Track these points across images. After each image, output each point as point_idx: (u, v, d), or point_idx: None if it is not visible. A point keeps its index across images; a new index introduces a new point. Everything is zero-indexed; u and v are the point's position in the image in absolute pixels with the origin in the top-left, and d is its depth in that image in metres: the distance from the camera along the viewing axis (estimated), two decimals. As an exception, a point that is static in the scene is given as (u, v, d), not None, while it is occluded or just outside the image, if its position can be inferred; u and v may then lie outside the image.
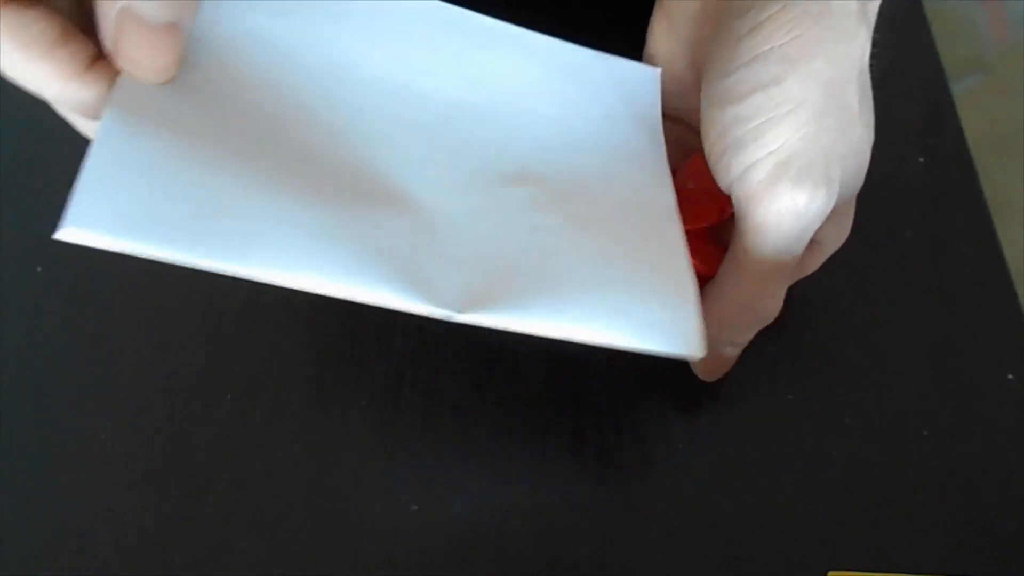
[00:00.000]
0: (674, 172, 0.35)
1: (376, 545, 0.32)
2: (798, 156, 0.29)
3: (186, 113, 0.26)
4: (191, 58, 0.27)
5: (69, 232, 0.23)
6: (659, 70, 0.35)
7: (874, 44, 0.31)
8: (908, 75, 0.44)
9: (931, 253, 0.40)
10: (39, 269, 0.37)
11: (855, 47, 0.30)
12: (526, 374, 0.36)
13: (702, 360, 0.34)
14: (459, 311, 0.27)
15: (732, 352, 0.34)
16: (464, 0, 0.33)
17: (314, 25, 0.30)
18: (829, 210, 0.30)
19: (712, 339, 0.33)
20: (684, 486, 0.34)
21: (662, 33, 0.35)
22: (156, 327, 0.36)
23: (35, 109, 0.41)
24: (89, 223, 0.23)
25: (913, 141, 0.43)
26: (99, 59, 0.26)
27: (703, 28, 0.33)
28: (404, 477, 0.33)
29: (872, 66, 0.31)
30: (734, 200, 0.31)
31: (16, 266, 0.37)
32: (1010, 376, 0.36)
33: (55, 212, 0.39)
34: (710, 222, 0.34)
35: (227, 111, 0.27)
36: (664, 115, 0.36)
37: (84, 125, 0.29)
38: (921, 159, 0.42)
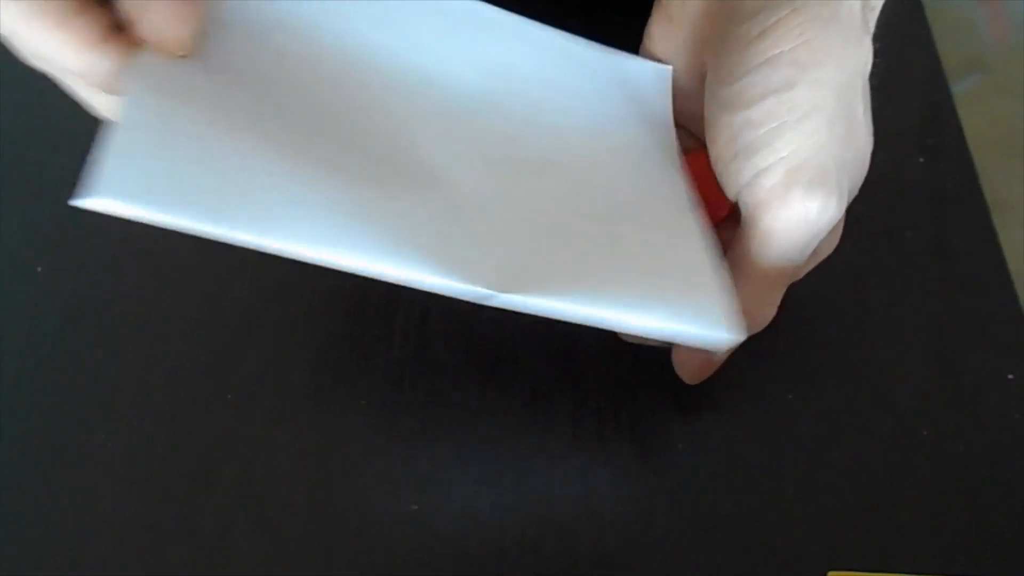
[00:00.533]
0: None
1: (376, 545, 0.32)
2: (810, 163, 0.29)
3: (208, 88, 0.26)
4: (212, 37, 0.27)
5: (94, 200, 0.22)
6: (669, 68, 0.35)
7: (875, 54, 0.31)
8: (908, 75, 0.44)
9: (931, 253, 0.40)
10: (39, 269, 0.37)
11: (861, 54, 0.30)
12: (526, 374, 0.36)
13: (689, 365, 0.34)
14: (499, 291, 0.26)
15: (720, 356, 0.34)
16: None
17: (334, 10, 0.30)
18: (837, 219, 0.30)
19: None
20: (684, 486, 0.34)
21: (661, 34, 0.35)
22: (156, 327, 0.36)
23: (36, 109, 0.41)
24: (114, 191, 0.22)
25: (913, 141, 0.43)
26: (116, 30, 0.25)
27: (704, 30, 0.33)
28: (404, 477, 0.33)
29: (872, 66, 0.31)
30: (742, 206, 0.31)
31: (16, 266, 0.37)
32: (1010, 376, 0.36)
33: (55, 212, 0.40)
34: None
35: (250, 88, 0.27)
36: None
37: (96, 100, 0.28)
38: (921, 159, 0.42)
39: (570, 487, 0.33)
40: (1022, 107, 1.26)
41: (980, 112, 1.24)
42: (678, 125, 0.36)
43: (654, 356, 0.35)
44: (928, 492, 0.34)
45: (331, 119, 0.28)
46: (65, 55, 0.25)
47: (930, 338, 0.37)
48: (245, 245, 0.24)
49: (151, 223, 0.23)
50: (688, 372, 0.34)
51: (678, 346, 0.33)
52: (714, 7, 0.33)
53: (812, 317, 0.36)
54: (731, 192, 0.31)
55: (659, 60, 0.35)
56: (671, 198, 0.32)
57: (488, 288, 0.26)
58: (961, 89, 1.28)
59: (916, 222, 0.40)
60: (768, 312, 0.32)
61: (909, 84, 0.44)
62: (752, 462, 0.34)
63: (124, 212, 0.22)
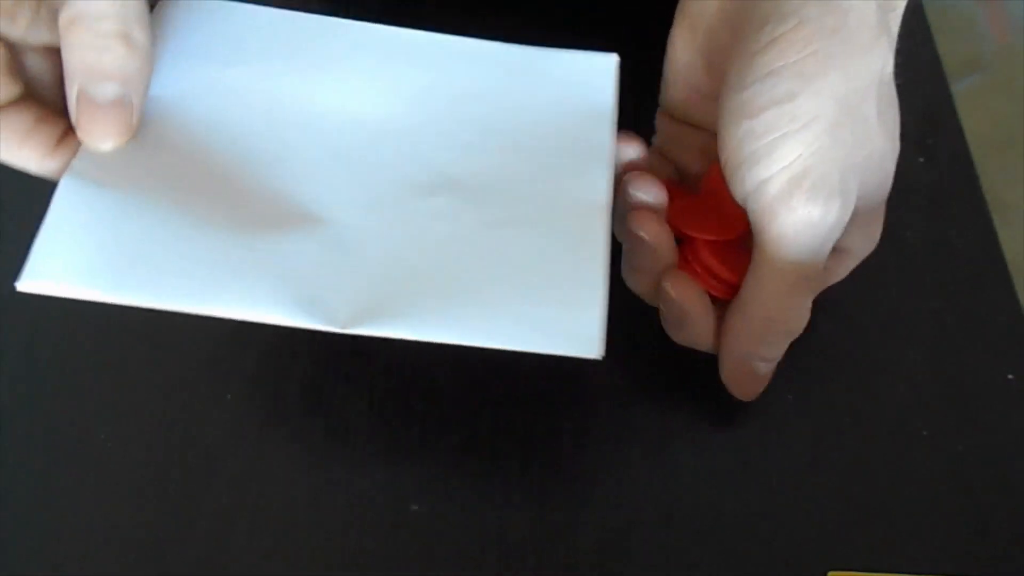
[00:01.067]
0: (698, 181, 0.35)
1: (376, 545, 0.32)
2: (811, 171, 0.29)
3: (137, 170, 0.30)
4: (149, 116, 0.31)
5: (28, 283, 0.27)
6: (614, 58, 0.35)
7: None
8: (908, 75, 0.44)
9: (931, 253, 0.40)
10: (39, 269, 0.37)
11: (874, 59, 0.30)
12: (526, 374, 0.36)
13: (734, 378, 0.33)
14: (344, 325, 0.28)
15: (765, 368, 0.33)
16: (489, 7, 0.33)
17: (262, 70, 0.33)
18: (845, 221, 0.30)
19: (741, 355, 0.33)
20: (684, 486, 0.34)
21: (683, 42, 0.35)
22: (156, 327, 0.36)
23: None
24: (44, 274, 0.28)
25: (913, 141, 0.42)
26: (68, 132, 0.29)
27: (723, 37, 0.33)
28: (404, 477, 0.33)
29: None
30: (750, 213, 0.31)
31: (16, 266, 0.37)
32: (1010, 376, 0.36)
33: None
34: (735, 233, 0.34)
35: (174, 164, 0.30)
36: (687, 123, 0.36)
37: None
38: (921, 159, 0.42)
39: (570, 487, 0.33)
40: (1022, 107, 1.26)
41: (980, 112, 1.24)
42: (707, 131, 0.36)
43: (655, 357, 0.35)
44: (928, 492, 0.34)
45: (239, 182, 0.31)
46: (29, 165, 0.30)
47: (930, 338, 0.37)
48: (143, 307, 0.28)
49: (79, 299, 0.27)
50: (738, 390, 0.34)
51: (725, 362, 0.33)
52: (732, 16, 0.33)
53: (812, 317, 0.36)
54: (739, 199, 0.31)
55: (682, 67, 0.35)
56: (581, 202, 0.32)
57: (333, 325, 0.28)
58: (961, 89, 1.28)
59: (916, 222, 0.40)
60: (799, 317, 0.32)
61: (909, 84, 0.44)
62: (752, 462, 0.34)
63: (51, 292, 0.27)
